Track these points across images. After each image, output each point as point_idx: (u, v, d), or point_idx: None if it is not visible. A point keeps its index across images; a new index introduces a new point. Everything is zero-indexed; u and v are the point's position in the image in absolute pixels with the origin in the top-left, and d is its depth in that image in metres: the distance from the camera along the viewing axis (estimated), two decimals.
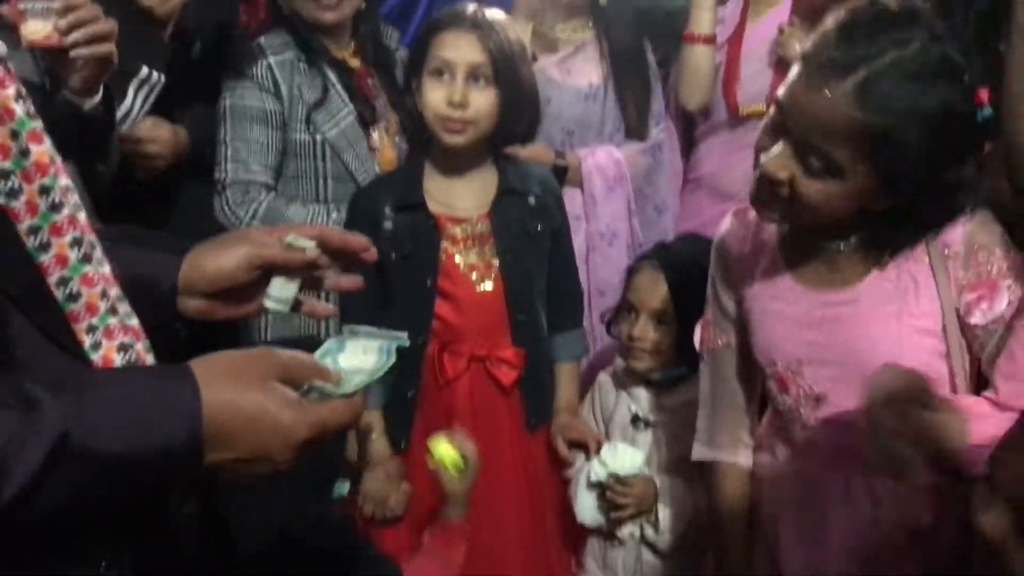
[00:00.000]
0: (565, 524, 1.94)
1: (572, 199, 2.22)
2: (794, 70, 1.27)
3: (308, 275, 1.04)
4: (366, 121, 2.12)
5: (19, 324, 0.76)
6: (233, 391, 0.75)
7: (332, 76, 2.09)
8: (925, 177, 1.23)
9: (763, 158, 1.29)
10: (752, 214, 1.48)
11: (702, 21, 2.34)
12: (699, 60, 2.37)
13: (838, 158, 1.20)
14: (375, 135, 2.13)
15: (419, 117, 1.81)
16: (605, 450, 1.83)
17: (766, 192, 1.30)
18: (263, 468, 0.77)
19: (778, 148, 1.25)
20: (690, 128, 2.56)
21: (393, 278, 1.82)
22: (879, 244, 1.33)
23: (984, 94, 1.23)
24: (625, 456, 1.81)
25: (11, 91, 0.77)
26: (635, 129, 2.35)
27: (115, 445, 0.70)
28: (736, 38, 2.43)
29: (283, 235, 1.01)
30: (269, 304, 1.02)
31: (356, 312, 1.80)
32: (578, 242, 2.17)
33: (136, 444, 0.70)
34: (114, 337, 0.83)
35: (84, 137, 1.55)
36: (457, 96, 1.73)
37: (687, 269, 1.83)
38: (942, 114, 1.19)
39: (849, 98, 1.18)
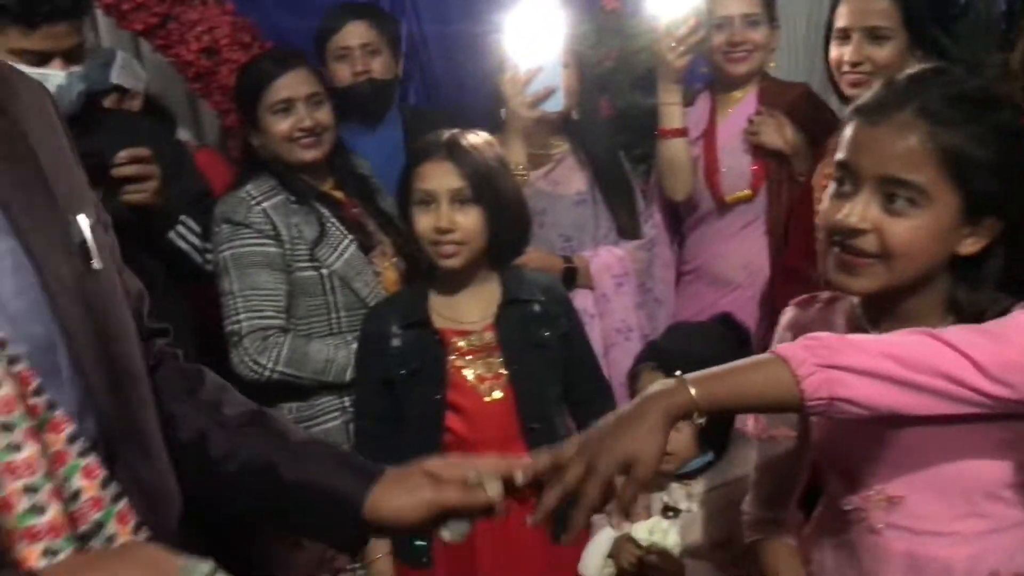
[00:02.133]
0: None
1: (584, 298, 2.24)
2: (849, 125, 1.18)
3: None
4: (365, 248, 2.10)
5: None
6: None
7: (325, 211, 2.07)
8: (1011, 200, 1.13)
9: (838, 217, 1.16)
10: (816, 305, 1.35)
11: (671, 116, 2.38)
12: (675, 153, 2.40)
13: (920, 183, 1.11)
14: (375, 260, 2.12)
15: (416, 242, 1.83)
16: (647, 524, 1.77)
17: (849, 259, 1.16)
18: None
19: (851, 202, 1.15)
20: (677, 220, 2.58)
21: (403, 394, 1.79)
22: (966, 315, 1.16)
23: None
24: (669, 532, 1.76)
25: None
26: (628, 228, 2.37)
27: None
28: (710, 132, 2.49)
29: (467, 469, 0.95)
30: (445, 535, 0.95)
31: (371, 429, 1.82)
32: (595, 340, 2.16)
33: None
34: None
35: None
36: (444, 222, 1.74)
37: (683, 362, 1.78)
38: (1010, 131, 1.13)
39: (914, 121, 1.11)
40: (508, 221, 1.81)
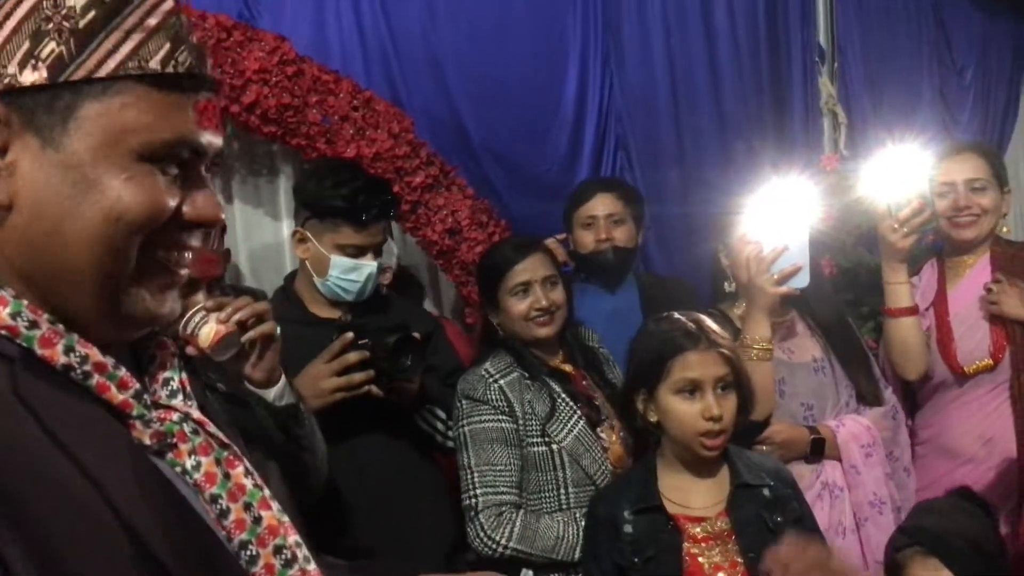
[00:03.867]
0: None
1: (833, 470, 2.15)
2: None
3: None
4: (593, 422, 2.11)
5: None
6: None
7: (555, 386, 2.10)
8: None
9: None
10: None
11: (899, 296, 2.30)
12: (906, 333, 2.31)
13: None
14: (603, 435, 2.12)
15: (652, 427, 1.82)
16: None
17: None
18: None
19: None
20: (910, 388, 2.46)
21: None
22: None
23: None
24: None
25: (240, 469, 0.81)
26: (869, 395, 2.25)
27: None
28: (940, 301, 2.40)
29: None
30: None
31: None
32: (847, 514, 2.09)
33: None
34: None
35: (282, 429, 1.62)
36: (716, 411, 1.72)
37: (956, 542, 1.67)
38: None
39: None
40: (750, 404, 1.81)
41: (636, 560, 1.74)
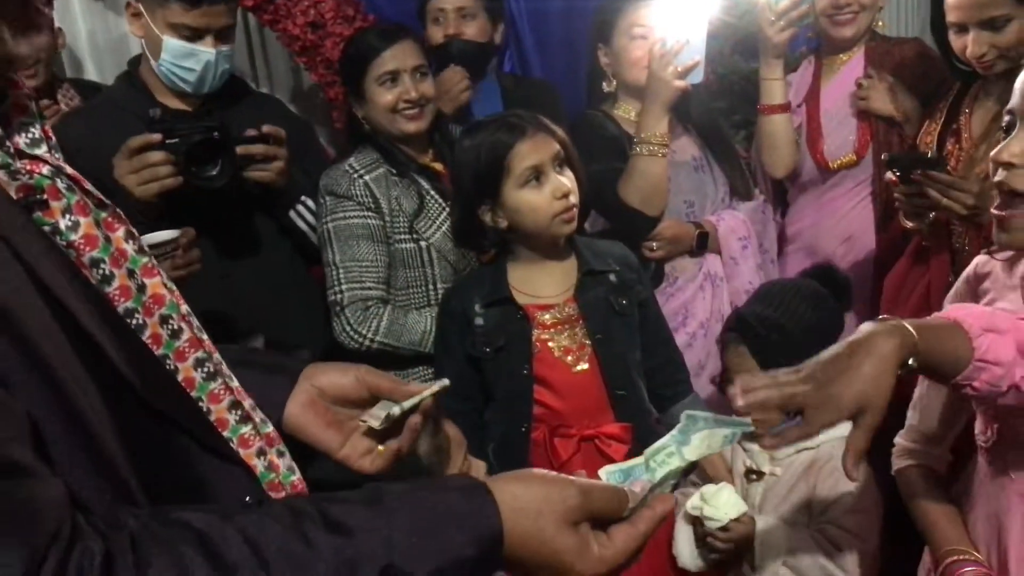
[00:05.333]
0: None
1: (714, 262, 2.24)
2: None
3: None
4: None
5: (183, 444, 0.76)
6: (535, 530, 0.75)
7: (424, 183, 2.03)
8: None
9: (993, 154, 1.18)
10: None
11: (773, 92, 2.28)
12: (777, 129, 2.31)
13: None
14: None
15: (504, 232, 1.77)
16: (704, 496, 1.76)
17: (1002, 216, 1.17)
18: None
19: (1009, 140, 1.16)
20: (781, 187, 2.49)
21: (490, 371, 1.76)
22: None
23: None
24: (723, 502, 1.74)
25: (121, 232, 0.76)
26: (742, 191, 2.31)
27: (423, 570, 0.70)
28: (812, 98, 2.39)
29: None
30: (366, 419, 0.97)
31: (458, 407, 1.73)
32: (725, 302, 2.19)
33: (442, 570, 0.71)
34: (250, 445, 0.82)
35: None
36: (566, 186, 1.71)
37: (764, 333, 1.78)
38: None
39: None
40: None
41: (488, 350, 1.76)
